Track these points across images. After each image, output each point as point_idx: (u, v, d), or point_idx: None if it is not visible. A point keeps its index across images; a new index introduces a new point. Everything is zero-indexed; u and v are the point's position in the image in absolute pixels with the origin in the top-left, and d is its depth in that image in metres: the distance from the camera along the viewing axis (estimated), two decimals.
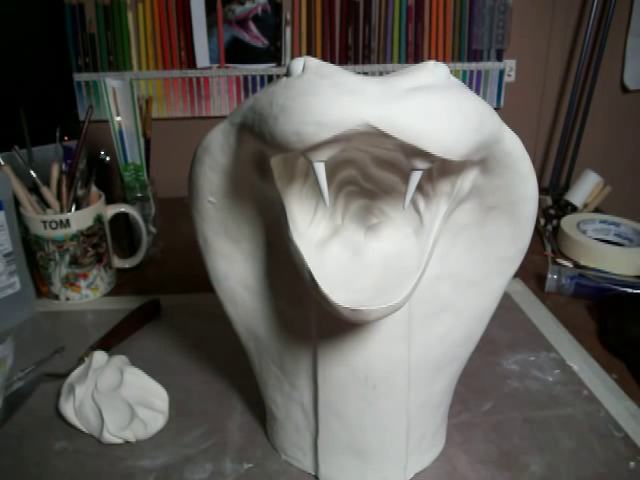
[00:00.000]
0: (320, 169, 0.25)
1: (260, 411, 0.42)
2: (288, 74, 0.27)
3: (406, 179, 0.26)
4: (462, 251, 0.34)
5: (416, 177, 0.25)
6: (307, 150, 0.24)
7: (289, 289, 0.34)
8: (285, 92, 0.25)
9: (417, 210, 0.30)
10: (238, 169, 0.32)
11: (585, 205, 0.86)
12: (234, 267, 0.36)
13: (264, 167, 0.30)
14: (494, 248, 0.34)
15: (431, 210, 0.30)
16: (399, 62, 0.95)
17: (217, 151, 0.32)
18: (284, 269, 0.33)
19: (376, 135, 0.23)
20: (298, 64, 0.27)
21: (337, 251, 0.30)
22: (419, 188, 0.29)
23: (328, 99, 0.23)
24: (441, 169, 0.29)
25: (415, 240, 0.30)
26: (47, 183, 0.60)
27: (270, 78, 0.95)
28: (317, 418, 0.36)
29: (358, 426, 0.35)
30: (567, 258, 0.71)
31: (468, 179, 0.30)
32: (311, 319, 0.34)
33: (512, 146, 0.30)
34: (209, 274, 0.36)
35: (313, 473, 0.38)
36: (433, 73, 0.26)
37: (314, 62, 0.26)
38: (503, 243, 0.34)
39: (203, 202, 0.34)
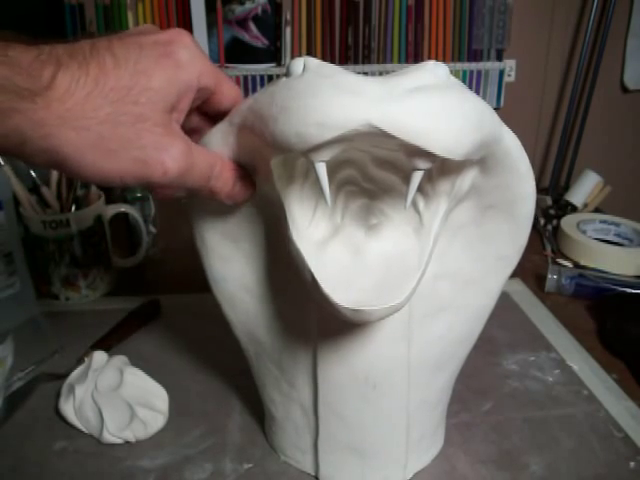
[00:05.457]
0: (321, 169, 0.25)
1: (260, 411, 0.42)
2: (288, 74, 0.27)
3: (406, 179, 0.26)
4: (460, 250, 0.34)
5: (417, 177, 0.25)
6: (309, 151, 0.24)
7: (289, 290, 0.34)
8: (285, 92, 0.25)
9: (417, 210, 0.30)
10: None
11: (585, 205, 0.86)
12: (233, 268, 0.35)
13: (263, 167, 0.30)
14: (492, 247, 0.34)
15: (431, 209, 0.30)
16: (399, 62, 0.95)
17: (216, 151, 0.32)
18: (284, 270, 0.33)
19: (378, 135, 0.23)
20: (298, 64, 0.26)
21: (337, 251, 0.30)
22: (419, 188, 0.29)
23: (329, 100, 0.23)
24: (441, 169, 0.29)
25: (415, 240, 0.30)
26: (47, 183, 0.60)
27: (270, 78, 0.95)
28: (317, 418, 0.36)
29: (358, 425, 0.35)
30: (567, 258, 0.71)
31: (467, 178, 0.30)
32: (311, 319, 0.34)
33: (511, 145, 0.30)
34: (207, 276, 0.36)
35: (313, 473, 0.38)
36: (433, 73, 0.26)
37: (314, 62, 0.26)
38: (501, 242, 0.34)
39: (201, 202, 0.34)
